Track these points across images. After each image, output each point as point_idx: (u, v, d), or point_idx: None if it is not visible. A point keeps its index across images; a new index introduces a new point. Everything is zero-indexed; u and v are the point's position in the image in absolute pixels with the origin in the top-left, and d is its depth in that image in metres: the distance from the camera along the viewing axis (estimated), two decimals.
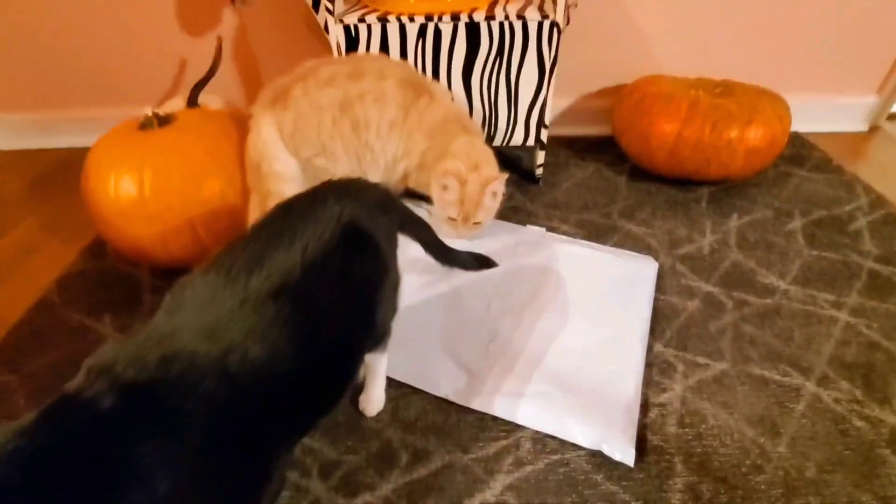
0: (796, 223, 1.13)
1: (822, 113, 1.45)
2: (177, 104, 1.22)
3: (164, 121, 0.93)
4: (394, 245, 0.68)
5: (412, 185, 1.04)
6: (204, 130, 0.94)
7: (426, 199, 1.04)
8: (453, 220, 0.99)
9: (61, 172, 1.40)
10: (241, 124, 1.01)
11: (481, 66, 1.06)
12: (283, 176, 0.93)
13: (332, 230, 0.56)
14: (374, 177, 1.02)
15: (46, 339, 0.90)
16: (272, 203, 0.91)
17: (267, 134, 0.93)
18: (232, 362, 0.45)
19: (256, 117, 0.94)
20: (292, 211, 0.59)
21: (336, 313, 0.55)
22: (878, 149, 1.43)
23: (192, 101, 1.20)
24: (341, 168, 0.98)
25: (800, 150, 1.39)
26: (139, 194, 0.87)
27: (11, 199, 1.31)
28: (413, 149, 0.98)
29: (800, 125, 1.36)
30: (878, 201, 1.18)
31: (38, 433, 0.39)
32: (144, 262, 1.00)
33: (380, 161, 0.99)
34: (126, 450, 0.40)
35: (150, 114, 0.93)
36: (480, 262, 0.89)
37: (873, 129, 1.50)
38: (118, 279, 1.02)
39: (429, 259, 0.82)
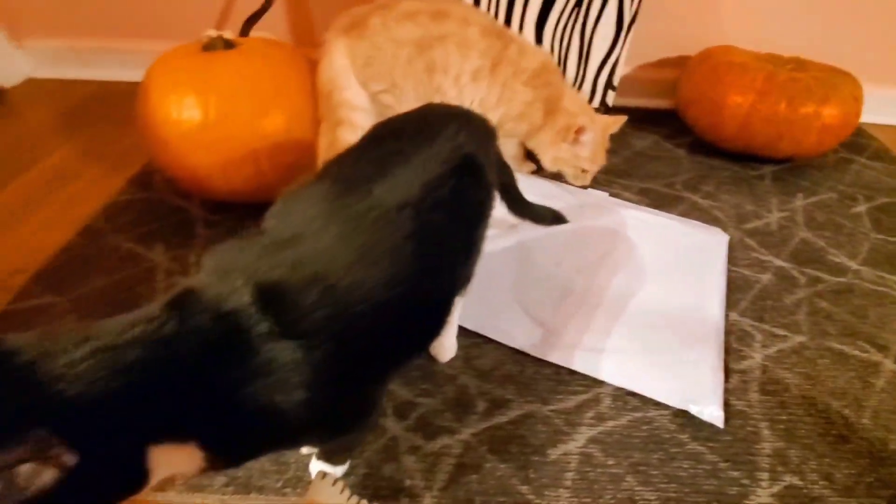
0: (861, 207, 1.10)
1: (882, 104, 1.41)
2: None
3: (228, 44, 0.88)
4: (494, 182, 0.64)
5: (501, 134, 0.99)
6: (270, 58, 0.89)
7: None
8: (584, 171, 1.00)
9: (98, 104, 1.34)
10: (304, 58, 0.97)
11: (557, 15, 1.01)
12: (355, 105, 0.89)
13: (450, 155, 0.52)
14: None
15: (96, 264, 0.86)
16: (344, 133, 0.88)
17: (339, 61, 0.89)
18: (361, 271, 0.42)
19: (329, 43, 0.89)
20: (404, 130, 0.56)
21: (447, 239, 0.52)
22: None
23: (245, 35, 1.15)
24: (406, 106, 0.93)
25: (858, 139, 1.35)
26: (203, 119, 0.82)
27: (47, 127, 1.26)
28: (515, 98, 0.94)
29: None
30: None
31: (168, 323, 0.35)
32: (200, 194, 0.95)
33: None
34: (260, 348, 0.37)
35: (214, 34, 0.88)
36: (554, 216, 0.86)
37: None
38: (169, 210, 0.98)
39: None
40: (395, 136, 0.55)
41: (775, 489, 0.61)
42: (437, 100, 0.93)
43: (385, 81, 0.91)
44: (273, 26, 1.31)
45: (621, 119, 0.99)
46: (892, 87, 1.40)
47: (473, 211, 0.57)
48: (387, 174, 0.48)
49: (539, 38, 1.04)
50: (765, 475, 0.62)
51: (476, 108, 0.94)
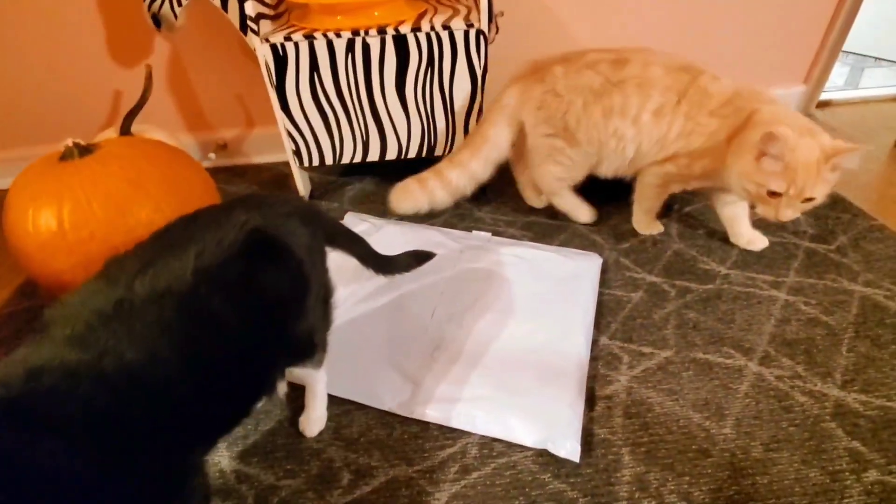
0: None
1: None
2: (109, 134, 1.19)
3: (84, 150, 0.90)
4: (317, 256, 0.66)
5: (676, 169, 0.96)
6: (126, 158, 0.91)
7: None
8: (775, 195, 0.82)
9: None
10: (171, 151, 0.99)
11: (413, 78, 1.07)
12: (489, 142, 1.06)
13: (233, 236, 0.54)
14: (612, 165, 1.03)
15: None
16: (463, 155, 1.08)
17: (505, 100, 1.04)
18: (108, 366, 0.43)
19: (506, 86, 1.05)
20: (196, 220, 0.58)
21: (235, 323, 0.53)
22: None
23: (125, 131, 1.17)
24: (577, 153, 1.02)
25: None
26: (58, 227, 0.83)
27: None
28: (697, 130, 0.91)
29: None
30: None
31: None
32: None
33: (628, 150, 0.98)
34: (19, 465, 0.37)
35: (70, 144, 0.90)
36: (418, 258, 0.89)
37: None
38: None
39: (367, 271, 0.82)
40: (186, 225, 0.57)
41: None
42: (612, 143, 0.98)
43: (554, 126, 1.01)
44: (161, 116, 1.34)
45: (854, 147, 0.77)
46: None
47: (276, 289, 0.57)
48: (152, 266, 0.50)
49: (403, 100, 1.09)
50: None
51: (654, 146, 0.96)
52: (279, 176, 1.36)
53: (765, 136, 0.78)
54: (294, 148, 1.15)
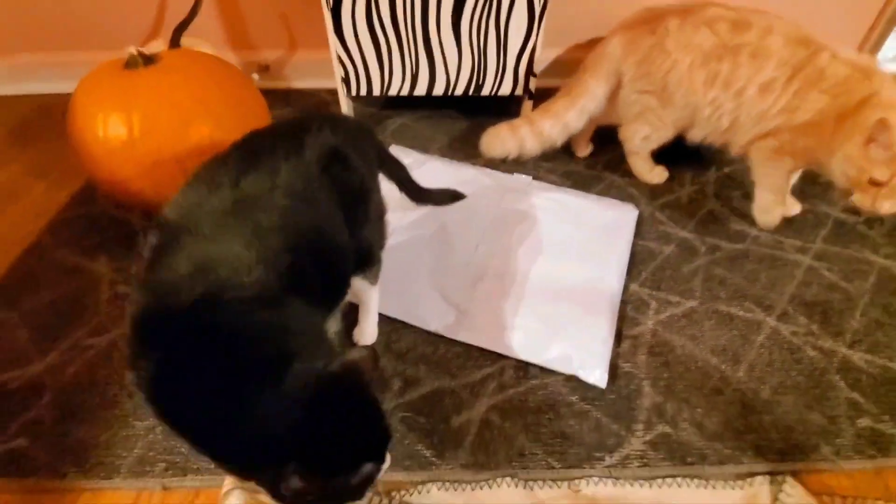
0: None
1: None
2: (158, 47, 1.19)
3: (148, 60, 0.92)
4: (373, 171, 0.72)
5: (779, 144, 0.92)
6: (189, 72, 0.93)
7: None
8: (877, 183, 0.79)
9: (42, 118, 1.37)
10: (229, 69, 1.01)
11: (471, 12, 1.05)
12: (589, 92, 1.05)
13: (314, 147, 0.62)
14: (702, 132, 1.00)
15: (43, 279, 0.92)
16: (558, 105, 1.07)
17: (609, 48, 1.02)
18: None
19: (613, 32, 1.03)
20: (275, 129, 0.67)
21: (324, 216, 0.61)
22: None
23: (175, 44, 1.18)
24: (668, 113, 1.00)
25: None
26: (128, 135, 0.87)
27: None
28: (803, 107, 0.87)
29: None
30: None
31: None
32: (138, 205, 1.00)
33: (723, 121, 0.95)
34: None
35: (134, 52, 0.91)
36: (451, 196, 0.96)
37: None
38: (111, 223, 1.03)
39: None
40: (265, 135, 0.65)
41: (648, 437, 0.70)
42: (707, 111, 0.95)
43: (654, 83, 0.98)
44: (206, 31, 1.33)
45: None
46: None
47: (348, 198, 0.64)
48: (251, 171, 0.56)
49: (457, 34, 1.09)
50: (640, 426, 0.71)
51: (752, 120, 0.93)
52: (322, 103, 1.37)
53: (878, 123, 0.75)
54: (343, 75, 1.16)
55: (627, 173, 1.16)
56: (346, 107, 1.22)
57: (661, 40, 0.96)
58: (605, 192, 1.11)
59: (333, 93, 1.23)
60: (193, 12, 1.17)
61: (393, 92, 1.19)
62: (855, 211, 0.98)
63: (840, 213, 1.07)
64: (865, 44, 1.45)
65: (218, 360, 0.47)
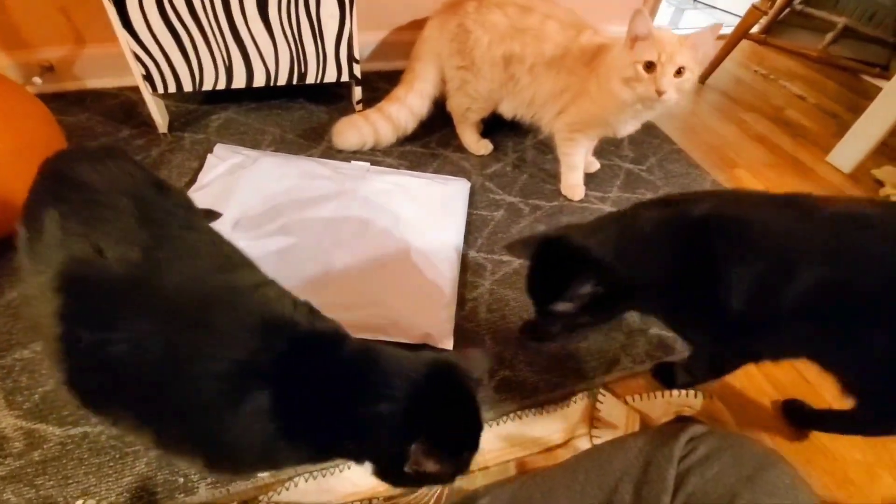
0: None
1: None
2: None
3: None
4: None
5: (566, 124, 1.07)
6: None
7: None
8: (651, 66, 0.88)
9: None
10: None
11: (276, 1, 1.02)
12: (420, 75, 1.16)
13: None
14: (511, 106, 1.14)
15: None
16: (400, 90, 1.17)
17: (426, 32, 1.14)
18: None
19: (431, 16, 1.14)
20: None
21: None
22: None
23: None
24: (481, 85, 1.11)
25: None
26: None
27: None
28: (574, 81, 1.02)
29: None
30: None
31: None
32: None
33: (524, 95, 1.09)
34: None
35: None
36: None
37: None
38: None
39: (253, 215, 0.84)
40: None
41: (493, 383, 0.80)
42: (510, 86, 1.09)
43: (465, 59, 1.08)
44: None
45: (717, 26, 0.90)
46: None
47: None
48: None
49: (267, 24, 1.04)
50: (486, 375, 0.81)
51: (544, 99, 1.07)
52: (127, 104, 1.23)
53: (635, 15, 0.87)
54: (144, 72, 1.05)
55: (459, 148, 1.25)
56: (154, 107, 1.11)
57: (462, 20, 1.07)
58: (441, 169, 1.19)
59: (137, 90, 1.11)
60: None
61: (207, 87, 1.11)
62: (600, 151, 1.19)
63: (629, 164, 1.29)
64: None
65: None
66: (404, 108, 1.17)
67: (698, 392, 0.80)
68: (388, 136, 1.18)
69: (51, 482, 0.64)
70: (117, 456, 0.67)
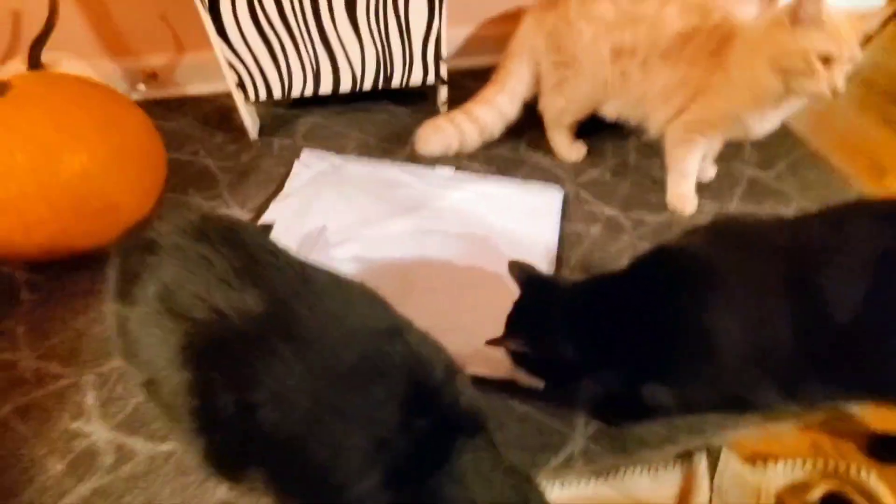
0: None
1: None
2: (16, 67, 1.04)
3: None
4: None
5: (685, 123, 0.92)
6: (47, 99, 0.81)
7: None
8: (828, 60, 0.71)
9: None
10: (96, 87, 0.89)
11: (365, 1, 0.98)
12: (512, 75, 1.06)
13: None
14: (616, 106, 1.01)
15: None
16: (490, 92, 1.08)
17: (522, 28, 1.04)
18: None
19: (527, 12, 1.04)
20: None
21: None
22: None
23: (35, 63, 1.03)
24: (581, 83, 0.99)
25: None
26: None
27: None
28: (691, 74, 0.87)
29: None
30: None
31: None
32: (11, 257, 0.88)
33: (633, 92, 0.95)
34: None
35: None
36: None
37: None
38: None
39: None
40: None
41: (589, 432, 0.70)
42: (616, 85, 0.95)
43: (566, 55, 0.97)
44: (75, 41, 1.18)
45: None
46: None
47: None
48: None
49: (355, 26, 1.00)
50: (581, 420, 0.71)
51: (659, 95, 0.93)
52: (223, 109, 1.26)
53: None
54: (237, 80, 1.06)
55: (551, 152, 1.14)
56: (245, 113, 1.12)
57: (565, 13, 0.95)
58: (530, 175, 1.09)
59: (232, 97, 1.13)
60: (49, 24, 1.02)
61: (296, 94, 1.10)
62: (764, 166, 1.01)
63: (753, 169, 1.11)
64: None
65: None
66: (493, 110, 1.08)
67: (864, 467, 0.65)
68: (473, 139, 1.10)
69: (138, 500, 0.65)
70: (201, 479, 0.66)
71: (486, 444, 0.45)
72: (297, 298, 0.46)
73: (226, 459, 0.46)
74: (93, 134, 0.83)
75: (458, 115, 1.09)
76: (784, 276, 0.51)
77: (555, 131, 1.12)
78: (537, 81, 1.06)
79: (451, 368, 0.49)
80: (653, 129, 0.99)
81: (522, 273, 0.66)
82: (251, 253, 0.49)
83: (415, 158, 1.12)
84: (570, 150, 1.12)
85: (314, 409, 0.41)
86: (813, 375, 0.52)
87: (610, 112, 1.03)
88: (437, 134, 1.09)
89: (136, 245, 0.51)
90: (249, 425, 0.42)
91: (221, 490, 0.65)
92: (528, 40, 1.03)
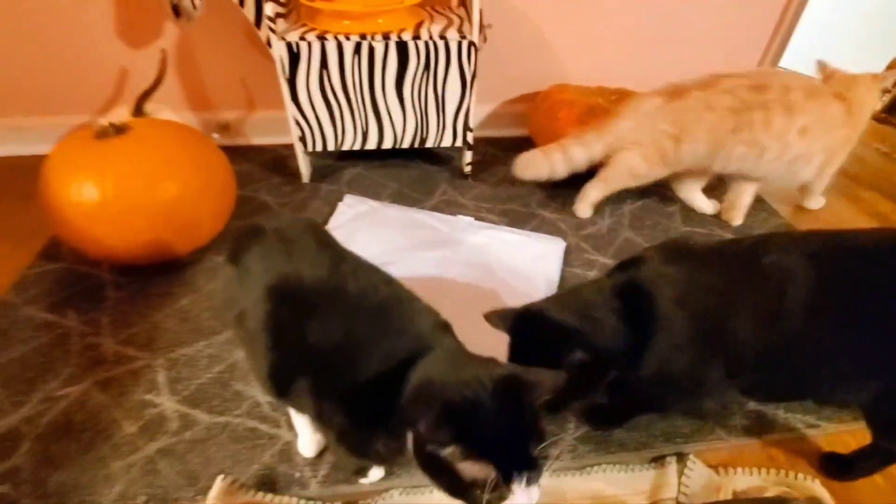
0: (674, 207, 1.38)
1: None
2: (121, 113, 1.28)
3: (119, 130, 1.01)
4: None
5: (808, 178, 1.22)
6: (157, 139, 1.03)
7: None
8: None
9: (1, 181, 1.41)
10: (194, 134, 1.11)
11: (411, 79, 1.22)
12: (616, 130, 1.18)
13: None
14: (732, 165, 1.16)
15: (12, 335, 0.96)
16: (579, 142, 1.20)
17: (647, 102, 1.16)
18: None
19: (649, 94, 1.17)
20: None
21: None
22: None
23: (138, 111, 1.27)
24: (690, 150, 1.15)
25: None
26: (102, 199, 0.94)
27: None
28: (832, 135, 1.14)
29: None
30: None
31: None
32: (107, 260, 1.07)
33: (765, 156, 1.13)
34: None
35: (106, 124, 1.00)
36: None
37: None
38: (77, 278, 1.08)
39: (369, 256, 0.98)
40: None
41: (578, 434, 0.82)
42: (738, 150, 1.13)
43: (676, 127, 1.13)
44: (166, 95, 1.43)
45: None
46: None
47: None
48: None
49: (401, 98, 1.24)
50: (571, 424, 0.83)
51: (789, 161, 1.15)
52: (279, 157, 1.49)
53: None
54: (300, 135, 1.29)
55: (557, 210, 1.33)
56: (302, 161, 1.35)
57: (687, 103, 1.12)
58: (538, 228, 1.27)
59: (289, 147, 1.35)
60: (157, 82, 1.27)
61: (346, 147, 1.33)
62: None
63: (731, 234, 1.28)
64: (765, 57, 1.70)
65: None
66: (587, 153, 1.21)
67: (810, 476, 0.76)
68: (562, 173, 1.24)
69: (197, 459, 0.77)
70: (250, 446, 0.79)
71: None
72: (351, 275, 0.64)
73: (284, 371, 0.61)
74: (187, 168, 1.04)
75: (555, 150, 1.22)
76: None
77: (596, 189, 1.27)
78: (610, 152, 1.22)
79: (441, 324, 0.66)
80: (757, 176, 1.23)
81: (504, 319, 0.71)
82: (328, 241, 0.70)
83: (440, 208, 1.31)
84: (590, 207, 1.31)
85: (347, 339, 0.58)
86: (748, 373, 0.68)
87: (724, 168, 1.20)
88: (533, 163, 1.24)
89: (247, 230, 0.70)
90: (303, 346, 0.59)
91: (266, 454, 0.78)
92: (644, 114, 1.16)
